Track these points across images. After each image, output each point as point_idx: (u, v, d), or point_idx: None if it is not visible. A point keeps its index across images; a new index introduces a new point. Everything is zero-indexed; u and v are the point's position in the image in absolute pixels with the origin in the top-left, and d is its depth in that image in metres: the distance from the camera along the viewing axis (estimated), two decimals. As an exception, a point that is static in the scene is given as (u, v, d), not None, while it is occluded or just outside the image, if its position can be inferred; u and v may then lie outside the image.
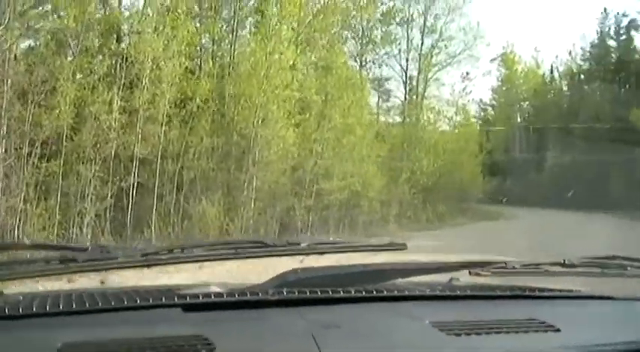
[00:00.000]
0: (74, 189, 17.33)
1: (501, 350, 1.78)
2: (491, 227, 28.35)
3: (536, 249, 12.55)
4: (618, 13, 46.98)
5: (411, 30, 35.45)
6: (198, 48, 22.44)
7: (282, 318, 1.86)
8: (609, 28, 47.68)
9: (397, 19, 35.21)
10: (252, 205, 21.15)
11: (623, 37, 46.34)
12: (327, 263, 2.17)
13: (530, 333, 1.84)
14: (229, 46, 23.23)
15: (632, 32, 46.27)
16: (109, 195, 17.91)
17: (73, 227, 16.97)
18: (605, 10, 47.76)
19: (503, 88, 54.43)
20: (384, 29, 34.92)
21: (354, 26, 33.05)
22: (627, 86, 45.47)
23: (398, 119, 36.42)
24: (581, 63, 51.01)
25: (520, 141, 52.63)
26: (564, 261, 2.31)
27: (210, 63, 22.36)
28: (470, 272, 2.22)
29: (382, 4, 34.27)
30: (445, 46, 35.65)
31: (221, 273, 2.80)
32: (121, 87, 18.86)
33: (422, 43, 35.56)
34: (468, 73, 38.45)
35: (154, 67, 19.50)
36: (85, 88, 18.10)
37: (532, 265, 2.33)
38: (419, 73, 35.85)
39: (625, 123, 39.68)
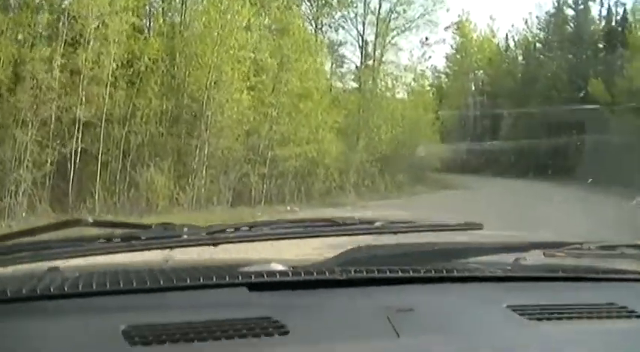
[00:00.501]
0: (9, 154, 15.97)
1: (585, 336, 1.71)
2: (451, 196, 27.58)
3: (501, 217, 12.43)
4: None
5: (369, -7, 34.24)
6: (146, 5, 21.07)
7: (352, 299, 1.78)
8: (568, -4, 47.06)
9: (355, -18, 33.97)
10: (204, 173, 20.09)
11: (581, 6, 45.81)
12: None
13: (613, 319, 1.78)
14: (180, 3, 21.87)
15: (589, 2, 45.86)
16: (49, 162, 16.65)
17: (7, 196, 15.64)
18: (563, -23, 47.00)
19: (458, 57, 53.50)
20: (340, -9, 33.69)
21: (310, -13, 31.98)
22: (584, 56, 45.03)
23: (354, 85, 35.24)
24: (538, 32, 50.44)
25: (475, 111, 51.26)
26: None
27: (161, 21, 21.03)
28: (544, 253, 2.17)
29: (339, -35, 33.12)
30: (404, 10, 34.57)
31: (287, 249, 2.60)
32: (63, 44, 17.50)
33: (379, 7, 34.41)
34: (427, 39, 37.09)
35: (99, 23, 18.15)
36: (23, 46, 16.70)
37: (608, 246, 2.27)
38: (376, 38, 34.73)
39: (583, 92, 39.38)
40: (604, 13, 45.60)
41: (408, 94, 36.80)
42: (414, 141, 34.56)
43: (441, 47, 73.52)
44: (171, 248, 1.95)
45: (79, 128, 17.61)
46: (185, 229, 1.98)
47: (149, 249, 1.90)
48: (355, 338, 1.58)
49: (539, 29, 49.83)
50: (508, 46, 53.29)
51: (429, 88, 43.03)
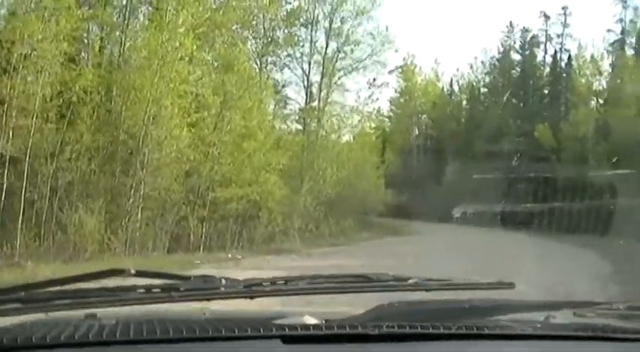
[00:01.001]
0: None
1: None
2: (400, 243, 26.49)
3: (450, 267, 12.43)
4: (524, 27, 46.66)
5: (316, 32, 33.40)
6: (83, 33, 19.66)
7: None
8: (514, 42, 47.38)
9: (301, 20, 33.33)
10: (139, 215, 18.62)
11: (527, 51, 45.80)
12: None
13: None
14: (120, 32, 20.52)
15: (535, 48, 45.82)
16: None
17: None
18: (510, 23, 47.39)
19: (402, 100, 52.86)
20: (286, 30, 32.90)
21: (256, 25, 30.99)
22: (530, 101, 45.00)
23: (299, 126, 34.27)
24: (483, 76, 50.44)
25: (418, 155, 51.37)
26: None
27: (97, 50, 19.61)
28: (574, 313, 2.23)
29: (287, 3, 32.54)
30: (351, 50, 33.69)
31: (321, 303, 2.57)
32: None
33: (326, 47, 33.58)
34: (374, 80, 36.19)
35: (29, 50, 16.72)
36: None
37: (637, 307, 2.31)
38: (322, 78, 33.76)
39: (529, 138, 39.07)
40: (549, 59, 45.63)
41: (353, 136, 35.78)
42: (359, 184, 33.77)
43: (385, 90, 70.60)
44: (208, 300, 2.02)
45: (2, 163, 16.00)
46: (223, 281, 2.03)
47: (187, 300, 1.95)
48: None
49: (485, 74, 49.81)
50: (452, 89, 53.11)
51: (373, 131, 42.37)
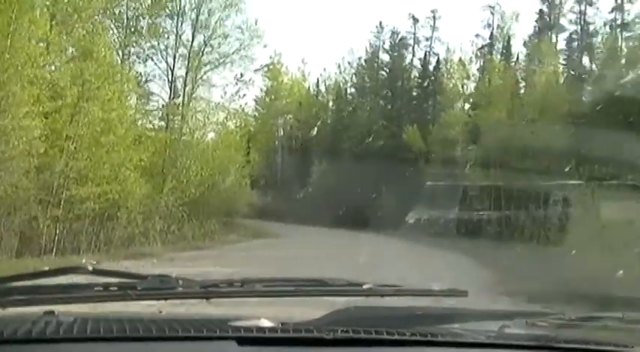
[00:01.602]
0: None
1: None
2: (267, 246, 25.34)
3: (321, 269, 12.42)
4: (393, 29, 46.46)
5: (182, 24, 31.78)
6: None
7: None
8: (383, 43, 47.15)
9: (167, 11, 31.49)
10: (-19, 215, 16.56)
11: (396, 53, 45.71)
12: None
13: None
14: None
15: (403, 50, 45.76)
16: None
17: None
18: (380, 24, 47.00)
19: (267, 99, 52.12)
20: (151, 20, 30.98)
21: (119, 13, 29.38)
22: (399, 103, 44.96)
23: (162, 123, 32.57)
24: (351, 77, 49.89)
25: (283, 156, 50.78)
26: (623, 315, 2.38)
27: None
28: (527, 322, 2.29)
29: (152, -8, 30.44)
30: (218, 43, 32.22)
31: (277, 306, 2.61)
32: None
33: (192, 39, 31.82)
34: (242, 75, 34.73)
35: None
36: None
37: (590, 318, 2.42)
38: (187, 73, 32.16)
39: (397, 139, 38.92)
40: (418, 62, 45.83)
41: (219, 134, 34.29)
42: (224, 184, 32.60)
43: (251, 89, 69.67)
44: (165, 299, 2.07)
45: None
46: (180, 282, 2.04)
47: (144, 299, 2.00)
48: None
49: (353, 74, 49.38)
50: (319, 90, 52.47)
51: (239, 130, 41.13)
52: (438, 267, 17.70)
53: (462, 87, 38.30)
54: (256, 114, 52.75)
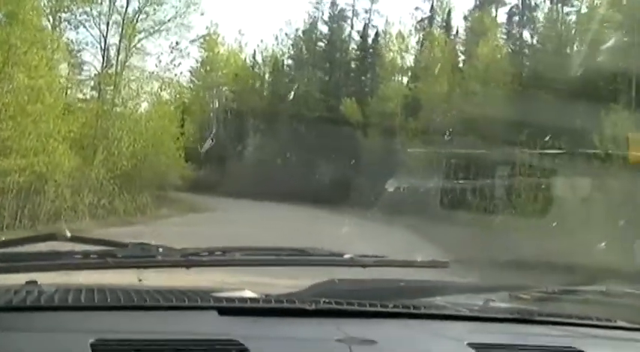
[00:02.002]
0: None
1: None
2: (202, 220, 24.53)
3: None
4: (332, 0, 45.43)
5: (116, -10, 30.62)
6: None
7: (318, 329, 1.87)
8: (322, 13, 46.06)
9: (101, -24, 30.09)
10: None
11: (335, 25, 44.97)
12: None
13: None
14: None
15: (342, 22, 44.99)
16: None
17: None
18: (320, -6, 46.25)
19: (203, 71, 51.01)
20: (84, -15, 29.56)
21: (49, -24, 27.74)
22: (338, 75, 44.38)
23: (95, 93, 31.39)
24: (289, 48, 48.70)
25: (219, 128, 49.12)
26: (606, 289, 2.40)
27: None
28: (510, 295, 2.33)
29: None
30: (154, 10, 30.87)
31: (258, 276, 2.77)
32: None
33: (127, 6, 30.50)
34: (177, 43, 33.45)
35: None
36: None
37: (573, 291, 2.46)
38: (120, 40, 30.82)
39: (335, 112, 38.58)
40: (356, 34, 45.07)
41: (153, 105, 33.18)
42: (158, 157, 31.60)
43: (186, 59, 68.63)
44: (145, 267, 2.07)
45: None
46: (160, 250, 2.04)
47: (124, 268, 2.02)
48: None
49: (291, 46, 48.34)
50: (256, 61, 51.44)
51: (173, 100, 40.06)
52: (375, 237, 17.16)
53: (402, 60, 37.83)
54: (191, 85, 51.82)
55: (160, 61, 32.35)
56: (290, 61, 48.51)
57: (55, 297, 1.79)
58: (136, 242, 2.07)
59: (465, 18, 38.45)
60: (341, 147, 34.91)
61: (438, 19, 39.38)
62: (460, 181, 26.87)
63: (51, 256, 1.97)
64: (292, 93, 43.42)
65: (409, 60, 38.24)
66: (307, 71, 44.87)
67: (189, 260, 2.06)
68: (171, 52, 32.66)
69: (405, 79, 37.39)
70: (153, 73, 32.07)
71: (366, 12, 43.97)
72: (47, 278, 1.95)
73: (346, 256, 2.25)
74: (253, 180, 40.53)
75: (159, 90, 32.89)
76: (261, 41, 63.85)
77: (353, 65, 44.49)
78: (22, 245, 2.04)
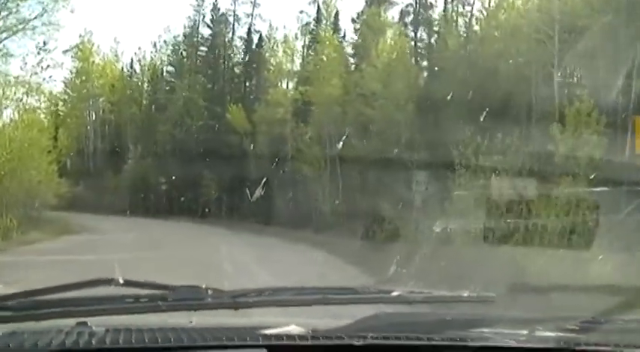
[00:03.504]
0: None
1: None
2: (77, 244, 21.57)
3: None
4: (213, 5, 43.12)
5: (-27, -15, 27.32)
6: None
7: None
8: (204, 17, 43.73)
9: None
10: None
11: (217, 30, 42.73)
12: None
13: None
14: None
15: (223, 27, 42.71)
16: None
17: None
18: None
19: (77, 82, 48.26)
20: None
21: None
22: (222, 82, 42.06)
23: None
24: (169, 55, 46.56)
25: (96, 141, 47.25)
26: None
27: None
28: (556, 325, 2.29)
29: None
30: (17, 7, 27.89)
31: (305, 313, 2.46)
32: None
33: (-13, 3, 27.54)
34: (45, 43, 30.45)
35: None
36: None
37: (620, 320, 2.39)
38: (-22, 40, 27.75)
39: (220, 120, 36.87)
40: (239, 40, 43.15)
41: (19, 112, 30.36)
42: (26, 172, 28.75)
43: (59, 71, 65.40)
44: (195, 310, 2.12)
45: None
46: (209, 292, 2.10)
47: (174, 310, 2.05)
48: None
49: (171, 52, 46.15)
50: (134, 70, 49.16)
51: (45, 110, 37.71)
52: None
53: (290, 63, 35.97)
54: (66, 97, 49.56)
55: (26, 64, 29.40)
56: (170, 68, 46.28)
57: (107, 338, 1.84)
58: (185, 285, 2.05)
59: (353, 20, 37.09)
60: (228, 156, 32.98)
61: (325, 21, 37.63)
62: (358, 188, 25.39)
63: (103, 300, 1.98)
64: (173, 101, 41.45)
65: (297, 63, 36.39)
66: (189, 78, 42.61)
67: (237, 302, 2.08)
68: (39, 53, 29.58)
69: (293, 84, 35.35)
70: (17, 77, 29.11)
71: (248, 16, 41.86)
72: (98, 321, 1.95)
73: (394, 293, 2.25)
74: (135, 195, 38.83)
75: (24, 96, 29.90)
76: (139, 49, 61.21)
77: (237, 70, 42.39)
78: (75, 290, 2.00)
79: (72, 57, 46.06)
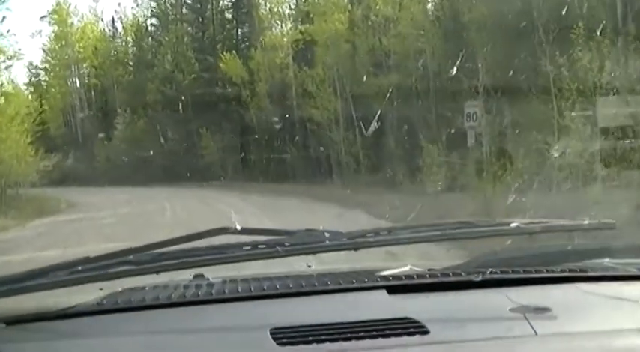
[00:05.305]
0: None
1: None
2: (44, 229, 17.53)
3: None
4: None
5: None
6: None
7: (489, 299, 1.86)
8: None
9: None
10: None
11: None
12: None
13: None
14: None
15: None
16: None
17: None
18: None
19: (56, 47, 45.94)
20: None
21: None
22: (212, 29, 38.51)
23: None
24: (151, 8, 43.19)
25: (83, 109, 44.88)
26: None
27: None
28: None
29: None
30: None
31: (421, 251, 2.59)
32: None
33: None
34: (4, 18, 28.33)
35: None
36: None
37: None
38: None
39: (213, 71, 34.30)
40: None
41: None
42: (3, 150, 26.57)
43: (38, 40, 66.15)
44: (314, 253, 2.03)
45: None
46: (327, 234, 2.01)
47: (292, 255, 1.97)
48: (495, 336, 1.63)
49: (155, 4, 42.83)
50: (116, 29, 46.31)
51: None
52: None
53: (284, 3, 32.78)
54: (47, 65, 47.69)
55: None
56: (154, 21, 43.22)
57: (225, 289, 1.86)
58: (301, 229, 1.97)
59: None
60: (226, 111, 31.02)
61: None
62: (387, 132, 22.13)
63: (220, 249, 1.92)
64: (160, 56, 38.86)
65: (294, 1, 32.92)
66: (175, 29, 39.57)
67: (356, 242, 1.96)
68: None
69: (291, 24, 32.06)
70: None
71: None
72: (213, 272, 1.98)
73: (513, 224, 2.08)
74: (125, 163, 36.56)
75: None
76: (119, 5, 63.93)
77: (227, 15, 39.00)
78: (193, 240, 1.92)
79: (50, 24, 44.37)
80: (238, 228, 2.00)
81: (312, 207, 17.64)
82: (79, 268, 1.82)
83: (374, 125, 19.26)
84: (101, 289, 1.89)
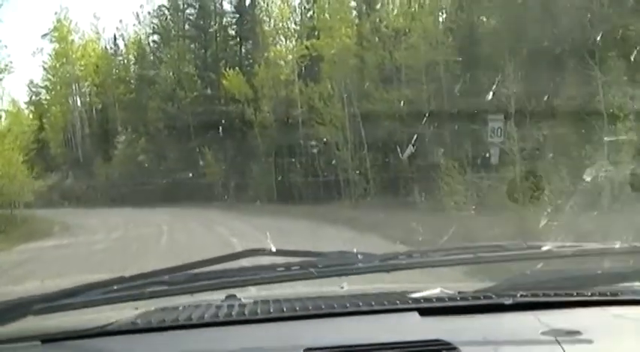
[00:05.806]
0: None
1: None
2: (31, 256, 16.12)
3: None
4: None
5: None
6: None
7: (520, 322, 1.86)
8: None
9: None
10: None
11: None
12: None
13: None
14: None
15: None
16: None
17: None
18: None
19: (57, 65, 45.33)
20: None
21: None
22: (215, 45, 38.01)
23: None
24: (153, 24, 42.48)
25: (83, 128, 44.44)
26: None
27: None
28: None
29: None
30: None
31: (452, 274, 2.70)
32: None
33: None
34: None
35: None
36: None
37: None
38: None
39: (216, 88, 33.90)
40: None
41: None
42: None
43: (39, 58, 63.47)
44: (346, 275, 2.03)
45: None
46: (360, 256, 2.02)
47: (325, 277, 1.97)
48: None
49: (157, 20, 42.14)
50: (117, 46, 45.61)
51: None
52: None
53: (289, 16, 32.05)
54: (47, 83, 47.23)
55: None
56: (156, 38, 42.33)
57: (258, 309, 1.88)
58: (334, 251, 2.00)
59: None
60: (229, 128, 30.60)
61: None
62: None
63: (254, 271, 1.95)
64: (162, 73, 38.28)
65: (298, 14, 32.27)
66: (177, 45, 38.92)
67: (388, 264, 1.98)
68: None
69: (297, 39, 31.32)
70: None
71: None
72: (244, 292, 1.99)
73: (544, 248, 2.08)
74: (125, 183, 36.08)
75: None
76: (121, 22, 61.71)
77: (231, 31, 38.31)
78: (227, 261, 1.97)
79: (50, 41, 43.96)
80: (273, 249, 2.01)
81: (320, 229, 16.59)
82: (114, 287, 1.83)
83: (410, 149, 18.45)
84: (136, 308, 1.91)
